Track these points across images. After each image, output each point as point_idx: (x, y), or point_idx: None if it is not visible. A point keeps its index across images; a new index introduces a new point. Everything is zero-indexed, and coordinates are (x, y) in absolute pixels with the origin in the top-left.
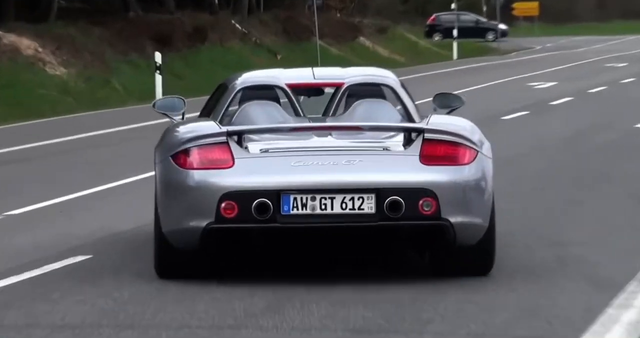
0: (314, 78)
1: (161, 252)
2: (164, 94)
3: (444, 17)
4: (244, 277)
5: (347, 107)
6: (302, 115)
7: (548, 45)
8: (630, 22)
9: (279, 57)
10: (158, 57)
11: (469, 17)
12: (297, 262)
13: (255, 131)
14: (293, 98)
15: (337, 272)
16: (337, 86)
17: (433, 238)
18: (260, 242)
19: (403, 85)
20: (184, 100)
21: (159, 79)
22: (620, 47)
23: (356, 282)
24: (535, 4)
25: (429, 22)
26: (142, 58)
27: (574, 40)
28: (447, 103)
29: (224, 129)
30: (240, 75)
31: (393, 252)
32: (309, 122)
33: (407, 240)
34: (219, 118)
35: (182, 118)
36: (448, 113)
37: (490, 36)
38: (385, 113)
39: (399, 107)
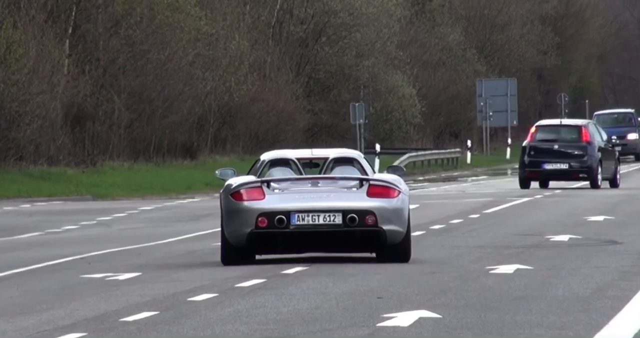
0: (312, 154)
1: (224, 248)
2: None
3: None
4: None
5: (331, 169)
6: (302, 174)
7: None
8: None
9: None
10: None
11: None
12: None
13: (275, 180)
14: (298, 165)
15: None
16: (326, 158)
17: (375, 239)
18: (280, 242)
19: (364, 158)
20: (234, 171)
21: None
22: None
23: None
24: None
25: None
26: None
27: None
28: (395, 171)
29: (259, 179)
30: (269, 153)
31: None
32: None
33: (360, 242)
34: (258, 175)
35: None
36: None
37: None
38: (350, 172)
39: (359, 168)
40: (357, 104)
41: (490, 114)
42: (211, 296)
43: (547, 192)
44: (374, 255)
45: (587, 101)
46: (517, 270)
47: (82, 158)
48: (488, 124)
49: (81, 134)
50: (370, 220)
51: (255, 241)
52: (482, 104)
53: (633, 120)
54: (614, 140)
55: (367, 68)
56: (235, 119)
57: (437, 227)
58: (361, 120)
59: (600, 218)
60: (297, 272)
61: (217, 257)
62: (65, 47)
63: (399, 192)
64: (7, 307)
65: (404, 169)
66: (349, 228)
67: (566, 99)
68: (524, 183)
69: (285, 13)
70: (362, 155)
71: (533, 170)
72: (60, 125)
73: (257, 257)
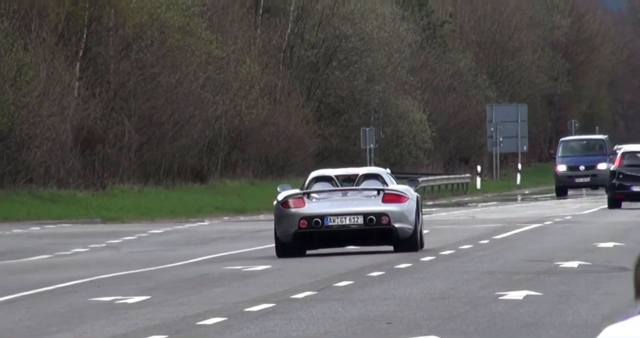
0: (347, 172)
1: (277, 245)
2: None
3: None
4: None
5: (361, 182)
6: (339, 187)
7: None
8: None
9: None
10: None
11: None
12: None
13: (314, 192)
14: (336, 180)
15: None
16: (357, 174)
17: (389, 234)
18: (317, 239)
19: (387, 173)
20: (290, 186)
21: None
22: None
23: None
24: None
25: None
26: None
27: None
28: (411, 183)
29: (301, 192)
30: (316, 171)
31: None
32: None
33: (378, 237)
34: (305, 188)
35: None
36: (415, 188)
37: None
38: (374, 184)
39: (382, 181)
40: (367, 129)
41: (501, 139)
42: (220, 320)
43: (557, 218)
44: (391, 248)
45: (597, 128)
46: (527, 296)
47: (91, 181)
48: (498, 150)
49: (91, 157)
50: (384, 220)
51: (298, 239)
52: (492, 129)
53: (604, 148)
54: (581, 170)
55: (377, 93)
56: (245, 143)
57: (446, 252)
58: (371, 145)
59: (610, 244)
60: (306, 296)
61: (226, 281)
62: (75, 70)
63: (408, 198)
64: (16, 330)
65: (419, 181)
66: (368, 227)
67: (576, 125)
68: (613, 204)
69: (296, 37)
70: (386, 171)
71: (621, 192)
72: (70, 147)
73: (308, 252)
